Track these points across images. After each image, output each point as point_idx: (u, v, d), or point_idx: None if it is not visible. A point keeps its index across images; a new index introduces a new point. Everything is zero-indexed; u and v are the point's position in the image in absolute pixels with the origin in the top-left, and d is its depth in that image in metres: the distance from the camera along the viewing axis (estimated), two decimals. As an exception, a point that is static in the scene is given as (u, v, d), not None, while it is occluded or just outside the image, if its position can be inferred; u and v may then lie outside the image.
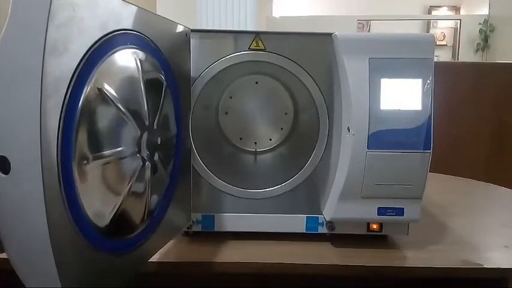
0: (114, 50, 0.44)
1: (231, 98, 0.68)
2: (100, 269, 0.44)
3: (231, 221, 0.67)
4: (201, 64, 0.65)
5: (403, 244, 0.67)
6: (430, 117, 0.60)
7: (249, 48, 0.65)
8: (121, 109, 0.44)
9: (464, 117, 1.73)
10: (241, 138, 0.69)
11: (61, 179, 0.37)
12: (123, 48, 0.46)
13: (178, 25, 0.60)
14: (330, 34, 0.63)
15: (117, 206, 0.45)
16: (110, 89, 0.43)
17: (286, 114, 0.69)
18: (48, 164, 0.35)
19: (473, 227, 0.79)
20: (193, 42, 0.64)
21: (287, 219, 0.68)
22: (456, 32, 5.42)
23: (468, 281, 0.64)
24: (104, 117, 0.43)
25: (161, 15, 0.55)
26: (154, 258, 0.57)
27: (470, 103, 1.72)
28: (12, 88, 0.34)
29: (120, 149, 0.45)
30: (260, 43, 0.65)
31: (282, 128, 0.69)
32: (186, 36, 0.62)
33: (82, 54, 0.39)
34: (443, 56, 5.37)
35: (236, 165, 0.70)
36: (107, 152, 0.43)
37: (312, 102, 0.66)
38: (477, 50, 4.86)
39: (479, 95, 1.73)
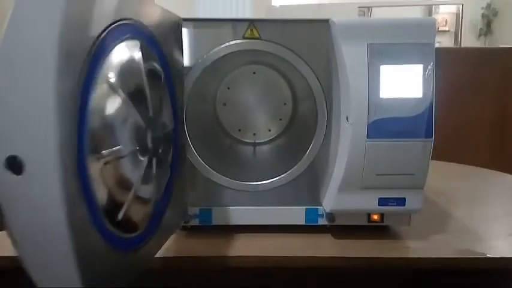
0: (119, 40, 0.42)
1: (228, 89, 0.67)
2: (114, 268, 0.43)
3: (229, 214, 0.66)
4: (195, 54, 0.63)
5: (405, 234, 0.66)
6: (431, 104, 0.58)
7: (243, 37, 0.63)
8: (129, 102, 0.43)
9: (467, 104, 1.70)
10: (239, 130, 0.68)
11: (79, 178, 0.35)
12: (127, 39, 0.44)
13: (170, 13, 0.58)
14: (327, 20, 0.61)
15: (128, 202, 0.44)
16: (117, 81, 0.41)
17: (285, 104, 0.67)
18: (66, 161, 0.32)
19: (477, 216, 0.77)
20: (186, 31, 0.62)
21: (286, 211, 0.66)
22: (458, 17, 5.33)
23: (472, 270, 0.63)
24: (114, 110, 0.41)
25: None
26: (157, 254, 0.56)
27: (473, 89, 1.70)
28: (23, 76, 0.30)
29: (128, 143, 0.43)
30: (255, 31, 0.63)
31: (281, 119, 0.68)
32: (178, 25, 0.61)
33: (94, 39, 0.37)
34: (445, 42, 5.30)
35: (234, 158, 0.68)
36: (117, 148, 0.41)
37: (310, 92, 0.65)
38: (480, 36, 4.80)
39: (482, 81, 1.70)
